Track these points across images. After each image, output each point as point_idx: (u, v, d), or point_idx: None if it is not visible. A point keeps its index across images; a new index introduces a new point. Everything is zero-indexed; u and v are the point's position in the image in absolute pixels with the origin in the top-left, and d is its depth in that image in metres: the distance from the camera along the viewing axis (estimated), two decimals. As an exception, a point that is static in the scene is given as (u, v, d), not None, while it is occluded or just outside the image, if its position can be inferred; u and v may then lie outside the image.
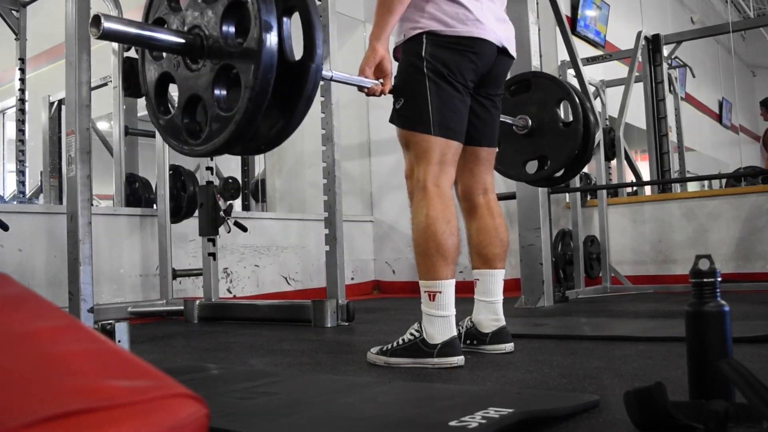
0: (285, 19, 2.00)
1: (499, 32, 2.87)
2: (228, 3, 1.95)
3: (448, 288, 2.66)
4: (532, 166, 3.90)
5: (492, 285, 3.00)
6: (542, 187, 4.96)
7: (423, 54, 2.73)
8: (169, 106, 2.26)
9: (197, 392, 0.91)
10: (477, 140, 2.99)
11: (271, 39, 1.89)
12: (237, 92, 1.98)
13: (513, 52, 2.98)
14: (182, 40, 2.00)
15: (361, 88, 2.71)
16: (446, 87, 2.73)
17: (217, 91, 2.01)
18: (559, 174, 3.91)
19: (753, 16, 15.69)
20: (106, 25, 1.82)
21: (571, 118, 3.72)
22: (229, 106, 1.99)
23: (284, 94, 1.99)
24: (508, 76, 3.27)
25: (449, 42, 2.74)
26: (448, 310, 2.65)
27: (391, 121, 2.84)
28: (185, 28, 2.06)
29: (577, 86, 3.91)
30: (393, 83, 2.78)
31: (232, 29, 1.97)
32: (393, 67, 2.79)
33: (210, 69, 2.00)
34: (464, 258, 3.08)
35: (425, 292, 2.67)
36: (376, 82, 2.70)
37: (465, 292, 3.09)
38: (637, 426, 1.52)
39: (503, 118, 3.30)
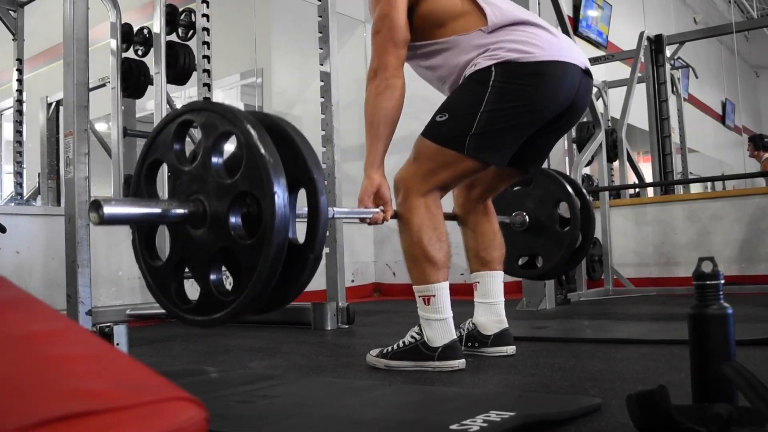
0: (292, 200, 1.93)
1: (578, 54, 2.69)
2: (237, 193, 1.88)
3: (441, 291, 2.64)
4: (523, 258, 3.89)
5: (492, 286, 2.98)
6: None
7: (491, 82, 2.55)
8: (158, 252, 2.16)
9: (196, 395, 0.91)
10: (525, 165, 2.89)
11: (281, 240, 1.82)
12: (235, 276, 1.93)
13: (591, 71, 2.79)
14: (184, 211, 1.93)
15: (363, 219, 2.64)
16: (508, 106, 2.56)
17: (213, 276, 1.95)
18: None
19: (756, 16, 15.71)
20: (107, 210, 1.76)
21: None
22: (224, 291, 1.94)
23: (283, 271, 1.93)
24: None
25: (527, 68, 2.55)
26: (444, 312, 2.63)
27: (425, 134, 2.68)
28: (186, 190, 1.98)
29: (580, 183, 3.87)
30: (445, 100, 2.69)
31: (239, 221, 1.91)
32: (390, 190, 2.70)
33: (210, 243, 1.93)
34: (464, 260, 3.06)
35: (420, 297, 2.66)
36: (377, 210, 2.62)
37: (466, 295, 3.07)
38: (639, 430, 1.51)
39: (500, 218, 3.27)
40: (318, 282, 6.55)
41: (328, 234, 4.36)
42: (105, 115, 6.59)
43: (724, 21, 14.09)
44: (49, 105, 7.45)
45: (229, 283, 1.94)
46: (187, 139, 2.08)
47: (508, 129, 2.59)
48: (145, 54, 5.89)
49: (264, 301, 1.92)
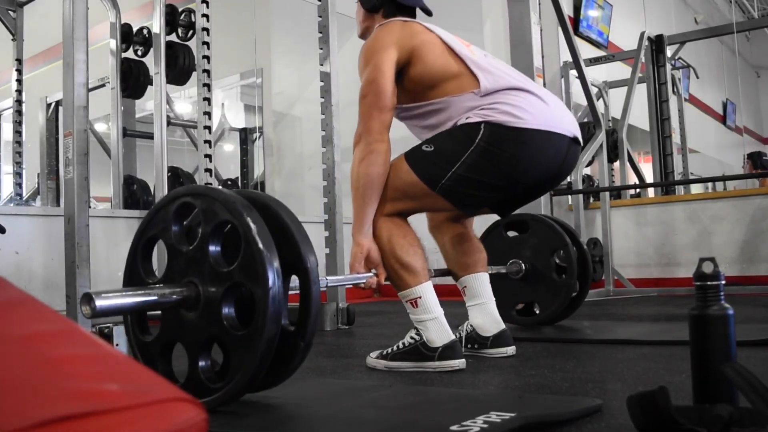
0: (284, 285, 1.93)
1: (567, 122, 2.69)
2: (232, 282, 1.89)
3: (425, 292, 2.65)
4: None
5: (480, 287, 2.98)
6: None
7: (478, 137, 2.55)
8: (148, 327, 2.13)
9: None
10: (502, 211, 2.93)
11: (272, 333, 1.81)
12: (225, 361, 1.93)
13: (580, 138, 2.79)
14: (179, 297, 1.93)
15: (357, 285, 2.67)
16: (487, 168, 2.56)
17: (202, 362, 1.93)
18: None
19: (757, 16, 15.72)
20: (99, 303, 1.75)
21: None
22: (211, 377, 1.93)
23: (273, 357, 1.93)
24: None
25: (516, 134, 2.55)
26: (434, 311, 2.64)
27: (407, 158, 2.68)
28: (181, 273, 1.98)
29: (572, 228, 3.87)
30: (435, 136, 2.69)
31: (231, 311, 1.91)
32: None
33: (202, 328, 1.93)
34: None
35: (407, 302, 2.68)
36: (370, 274, 2.64)
37: (461, 296, 3.06)
38: (640, 431, 1.50)
39: (495, 269, 3.25)
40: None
41: (328, 235, 4.39)
42: (104, 116, 6.59)
43: (725, 21, 14.10)
44: (49, 105, 7.46)
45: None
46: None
47: (482, 186, 2.60)
48: (144, 54, 5.90)
49: (251, 389, 1.95)
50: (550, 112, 2.62)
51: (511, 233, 3.80)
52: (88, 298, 1.71)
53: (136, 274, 2.06)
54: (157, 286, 1.95)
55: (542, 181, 2.71)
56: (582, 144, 2.84)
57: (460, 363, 2.61)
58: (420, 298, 2.63)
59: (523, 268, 3.68)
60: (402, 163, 2.68)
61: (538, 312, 3.79)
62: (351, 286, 2.71)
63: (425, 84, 2.68)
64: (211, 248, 1.89)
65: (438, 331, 2.62)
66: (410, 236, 2.69)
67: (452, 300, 2.67)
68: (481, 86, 2.60)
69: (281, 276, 1.82)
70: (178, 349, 1.97)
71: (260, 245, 1.79)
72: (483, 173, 2.56)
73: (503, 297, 3.34)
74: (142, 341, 2.05)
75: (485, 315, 2.95)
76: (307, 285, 1.91)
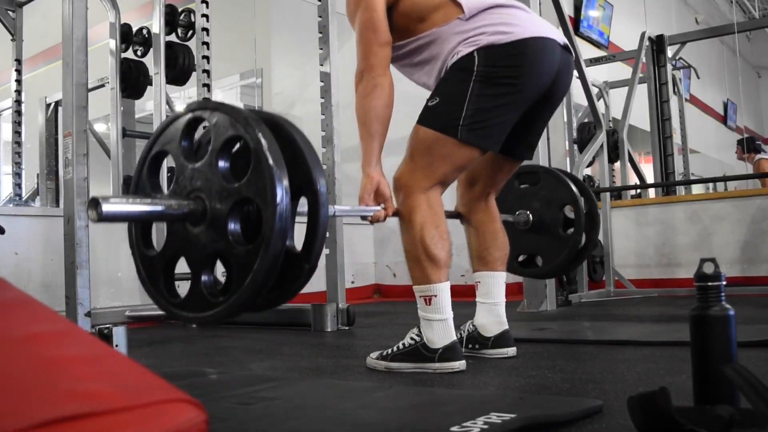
0: (292, 207, 1.92)
1: (555, 32, 2.74)
2: (240, 198, 1.87)
3: (442, 291, 2.63)
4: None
5: (493, 287, 2.97)
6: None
7: (475, 68, 2.58)
8: (152, 241, 2.12)
9: (195, 397, 0.90)
10: (519, 153, 2.91)
11: (278, 247, 1.81)
12: (228, 275, 1.92)
13: (571, 49, 2.85)
14: (185, 210, 1.92)
15: (364, 218, 2.64)
16: (494, 92, 2.59)
17: (205, 277, 1.95)
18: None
19: (758, 16, 15.71)
20: (105, 208, 1.74)
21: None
22: (214, 291, 1.93)
23: (276, 278, 1.92)
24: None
25: (508, 49, 2.58)
26: (445, 313, 2.62)
27: (421, 121, 2.69)
28: (188, 187, 1.97)
29: (585, 183, 3.86)
30: (434, 87, 2.72)
31: (237, 227, 1.90)
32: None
33: (207, 243, 1.92)
34: (465, 261, 3.07)
35: (420, 297, 2.65)
36: (378, 208, 2.61)
37: (467, 296, 3.06)
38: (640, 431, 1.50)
39: (504, 217, 3.25)
40: (318, 283, 6.54)
41: (328, 235, 4.38)
42: (104, 116, 6.59)
43: (725, 21, 14.09)
44: (48, 105, 7.45)
45: (222, 273, 1.94)
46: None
47: (497, 113, 2.61)
48: (144, 54, 5.89)
49: (252, 307, 1.92)
50: (536, 21, 2.70)
51: (523, 186, 3.77)
52: (95, 203, 1.71)
53: (142, 189, 2.05)
54: (164, 197, 1.95)
55: (545, 91, 2.71)
56: (573, 54, 2.87)
57: (460, 364, 2.60)
58: (435, 296, 2.62)
59: (531, 219, 3.65)
60: (417, 129, 2.69)
61: (540, 265, 3.77)
62: (359, 216, 2.66)
63: (413, 18, 2.70)
64: (220, 163, 1.87)
65: (441, 332, 2.61)
66: (442, 227, 2.67)
67: (454, 300, 2.66)
68: (465, 10, 2.64)
69: (290, 193, 1.80)
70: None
71: (270, 160, 1.76)
72: (492, 99, 2.59)
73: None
74: (146, 255, 2.04)
75: (491, 315, 2.95)
76: (316, 207, 1.89)
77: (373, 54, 2.64)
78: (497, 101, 2.60)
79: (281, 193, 1.76)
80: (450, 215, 2.92)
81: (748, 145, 10.16)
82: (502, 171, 2.99)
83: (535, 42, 2.61)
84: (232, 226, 1.84)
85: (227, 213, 1.83)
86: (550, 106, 2.85)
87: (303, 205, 1.93)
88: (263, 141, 1.78)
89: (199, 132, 1.97)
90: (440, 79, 2.70)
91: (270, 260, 1.76)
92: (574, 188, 3.64)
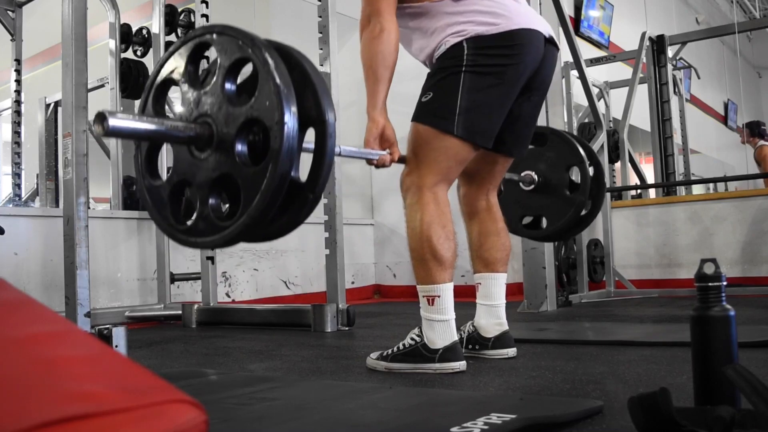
0: (300, 137, 1.93)
1: (541, 23, 2.79)
2: (247, 119, 1.88)
3: (446, 292, 2.63)
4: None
5: (494, 288, 2.97)
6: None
7: (464, 57, 2.63)
8: (159, 171, 2.14)
9: (195, 398, 0.90)
10: (508, 148, 2.92)
11: (285, 169, 1.81)
12: (234, 202, 1.93)
13: (558, 43, 2.90)
14: (191, 133, 1.92)
15: (370, 161, 2.64)
16: (484, 85, 2.63)
17: (212, 201, 1.95)
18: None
19: (759, 16, 15.71)
20: (112, 123, 1.75)
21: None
22: (220, 215, 1.94)
23: (281, 206, 1.93)
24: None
25: (495, 41, 2.64)
26: (447, 314, 2.62)
27: (416, 118, 2.72)
28: (195, 112, 1.98)
29: (587, 145, 3.83)
30: (425, 81, 2.73)
31: (244, 149, 1.90)
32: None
33: (213, 167, 1.93)
34: (466, 262, 3.06)
35: (423, 296, 2.65)
36: (384, 152, 2.61)
37: (467, 297, 3.06)
38: (641, 433, 1.50)
39: (509, 175, 3.24)
40: (318, 284, 6.58)
41: (328, 236, 4.38)
42: (104, 116, 6.56)
43: (726, 21, 14.09)
44: (48, 106, 7.44)
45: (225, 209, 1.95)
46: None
47: (488, 108, 2.65)
48: (144, 54, 5.90)
49: (258, 231, 1.92)
50: (523, 12, 2.73)
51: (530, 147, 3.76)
52: (102, 117, 1.71)
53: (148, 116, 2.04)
54: (171, 119, 1.95)
55: (530, 82, 2.77)
56: (558, 47, 2.92)
57: (460, 365, 2.60)
58: (439, 297, 2.62)
59: (536, 179, 3.63)
60: (414, 126, 2.71)
61: (544, 227, 3.75)
62: (364, 158, 2.65)
63: None
64: (227, 86, 1.87)
65: (442, 333, 2.61)
66: (449, 227, 2.67)
67: (455, 301, 2.66)
68: None
69: (297, 115, 1.79)
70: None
71: (278, 80, 1.76)
72: (483, 89, 2.63)
73: (512, 207, 3.32)
74: (153, 185, 2.05)
75: (491, 317, 2.94)
76: (324, 137, 1.89)
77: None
78: (488, 94, 2.64)
79: (288, 113, 1.76)
80: None
81: (753, 129, 10.17)
82: (497, 167, 3.00)
83: (521, 33, 2.66)
84: (240, 148, 1.84)
85: (234, 135, 1.84)
86: (533, 99, 2.88)
87: (309, 143, 1.94)
88: (270, 61, 1.78)
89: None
90: (431, 72, 2.74)
91: (278, 179, 1.76)
92: (581, 150, 3.62)
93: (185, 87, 1.96)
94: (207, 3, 5.03)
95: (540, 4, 5.19)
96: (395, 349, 2.70)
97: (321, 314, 4.34)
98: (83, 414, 0.77)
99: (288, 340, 3.90)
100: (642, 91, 7.70)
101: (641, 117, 8.24)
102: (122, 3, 6.09)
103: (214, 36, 1.92)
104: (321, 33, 4.55)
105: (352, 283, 7.22)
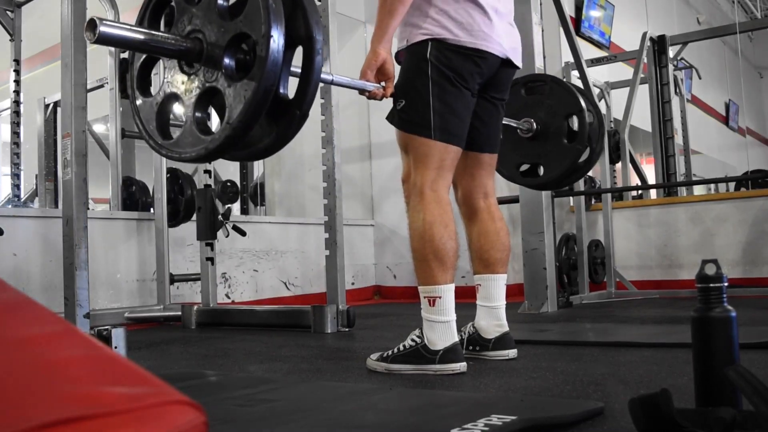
0: (287, 55, 1.94)
1: (506, 43, 2.85)
2: (236, 33, 1.89)
3: (447, 293, 2.63)
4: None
5: (494, 290, 2.97)
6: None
7: (428, 56, 2.70)
8: (150, 88, 2.21)
9: (195, 399, 0.89)
10: (479, 145, 2.97)
11: (269, 81, 1.83)
12: (220, 112, 1.94)
13: (518, 62, 2.96)
14: (181, 47, 1.94)
15: (362, 92, 2.68)
16: (450, 89, 2.70)
17: (198, 114, 1.96)
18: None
19: (760, 16, 15.69)
20: (102, 29, 1.77)
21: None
22: (205, 129, 1.94)
23: (266, 122, 1.95)
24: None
25: (454, 48, 2.71)
26: (448, 315, 2.62)
27: (390, 119, 2.82)
28: (186, 28, 2.00)
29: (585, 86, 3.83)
30: (395, 84, 2.75)
31: (232, 63, 1.91)
32: (396, 69, 2.75)
33: (201, 83, 1.95)
34: (466, 263, 3.06)
35: (425, 297, 2.65)
36: (378, 85, 2.66)
37: (467, 298, 3.06)
38: (642, 435, 1.49)
39: (507, 121, 3.24)
40: (318, 285, 6.57)
41: (328, 236, 4.37)
42: (103, 117, 6.59)
43: (727, 21, 14.07)
44: (47, 106, 7.45)
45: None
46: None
47: (457, 113, 2.73)
48: (143, 55, 5.87)
49: (243, 142, 1.96)
50: (488, 31, 2.77)
51: (529, 95, 3.76)
52: (93, 24, 1.74)
53: None
54: (163, 32, 1.97)
55: (485, 91, 2.88)
56: (518, 66, 2.98)
57: (461, 366, 2.60)
58: (440, 297, 2.62)
59: (535, 127, 3.63)
60: (397, 132, 2.80)
61: (541, 174, 3.73)
62: (357, 89, 2.69)
63: None
64: (219, 2, 1.90)
65: (443, 334, 2.61)
66: (451, 227, 2.68)
67: (455, 302, 2.66)
68: None
69: (284, 32, 1.83)
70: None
71: None
72: (450, 95, 2.71)
73: (509, 154, 3.32)
74: (144, 101, 2.11)
75: (491, 318, 2.95)
76: (311, 55, 1.93)
77: None
78: (454, 99, 2.71)
79: (275, 25, 1.81)
80: None
81: None
82: (482, 165, 3.03)
83: (474, 52, 2.74)
84: (227, 61, 1.89)
85: (223, 49, 1.87)
86: (491, 102, 2.96)
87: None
88: None
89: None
90: (400, 73, 2.80)
91: (263, 91, 1.79)
92: (581, 99, 3.61)
93: (180, 2, 1.98)
94: (207, 3, 5.01)
95: (540, 4, 5.19)
96: (395, 350, 2.70)
97: (321, 315, 4.34)
98: (82, 415, 0.76)
99: (288, 341, 3.89)
100: (643, 92, 7.69)
101: (642, 117, 8.23)
102: (121, 3, 6.09)
103: None
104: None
105: (352, 284, 7.21)
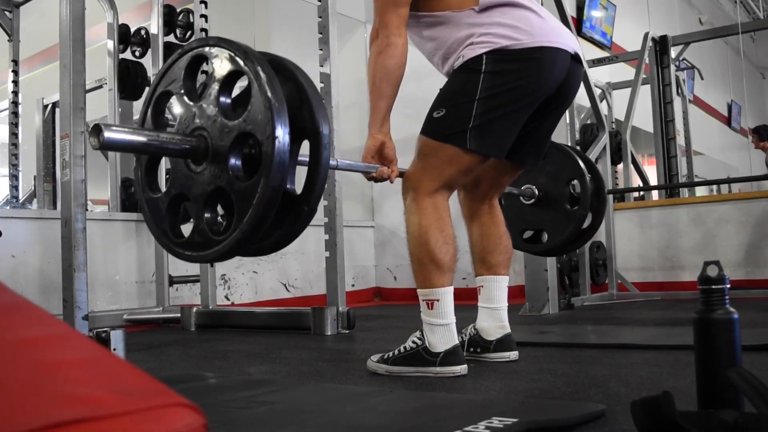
0: (294, 149, 1.92)
1: (567, 38, 2.69)
2: (240, 132, 1.86)
3: (446, 295, 2.62)
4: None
5: (496, 291, 2.96)
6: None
7: (482, 70, 2.55)
8: (158, 184, 2.17)
9: (194, 401, 0.88)
10: (519, 157, 2.87)
11: (277, 182, 1.80)
12: (230, 215, 1.92)
13: (581, 56, 2.81)
14: (187, 145, 1.92)
15: (368, 176, 2.64)
16: (500, 101, 2.56)
17: (207, 215, 1.94)
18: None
19: (762, 16, 15.70)
20: (107, 135, 1.74)
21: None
22: (216, 230, 1.93)
23: (276, 219, 1.92)
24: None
25: (516, 56, 2.55)
26: (447, 317, 2.61)
27: (424, 132, 2.67)
28: (191, 125, 1.97)
29: (592, 161, 3.82)
30: (440, 90, 2.68)
31: (238, 162, 1.89)
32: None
33: (209, 180, 1.93)
34: (467, 265, 3.07)
35: (423, 300, 2.64)
36: (380, 166, 2.61)
37: (469, 300, 3.05)
38: (643, 437, 1.49)
39: (509, 189, 3.22)
40: (318, 286, 6.56)
41: (328, 238, 4.36)
42: (102, 117, 6.58)
43: (729, 21, 14.10)
44: (45, 107, 7.47)
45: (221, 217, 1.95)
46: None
47: (504, 116, 2.59)
48: (142, 55, 5.90)
49: (253, 244, 1.94)
50: (548, 28, 2.64)
51: None
52: (98, 130, 1.72)
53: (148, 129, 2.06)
54: (168, 132, 1.95)
55: (551, 99, 2.69)
56: (584, 64, 2.86)
57: (461, 369, 2.59)
58: (438, 300, 2.61)
59: (537, 193, 3.62)
60: (423, 139, 2.67)
61: (545, 241, 3.72)
62: (362, 172, 2.67)
63: None
64: (222, 99, 1.90)
65: (443, 336, 2.60)
66: (447, 231, 2.65)
67: (457, 304, 2.65)
68: (480, 1, 2.60)
69: (289, 130, 1.80)
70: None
71: (269, 94, 1.77)
72: (498, 103, 2.56)
73: (513, 221, 3.30)
74: (152, 197, 2.07)
75: (493, 320, 2.94)
76: (318, 149, 1.91)
77: (389, 11, 2.60)
78: (504, 109, 2.57)
79: (279, 125, 1.77)
80: None
81: (762, 134, 10.14)
82: (506, 175, 2.99)
83: (543, 51, 2.58)
84: (233, 161, 1.86)
85: (228, 149, 1.85)
86: (553, 114, 2.83)
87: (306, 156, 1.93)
88: (262, 74, 1.80)
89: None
90: (445, 84, 2.68)
91: (269, 193, 1.77)
92: (581, 164, 3.60)
93: (183, 99, 1.96)
94: (206, 3, 5.02)
95: (542, 4, 5.17)
96: (396, 352, 2.69)
97: (321, 317, 4.32)
98: (81, 418, 0.76)
99: (287, 343, 3.89)
100: (645, 92, 7.69)
101: (644, 118, 8.24)
102: (120, 3, 6.09)
103: (210, 49, 1.93)
104: (321, 33, 4.52)
105: (353, 285, 7.20)
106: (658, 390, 1.48)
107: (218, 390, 2.48)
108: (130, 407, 0.81)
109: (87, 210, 3.61)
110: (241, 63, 1.83)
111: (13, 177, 7.02)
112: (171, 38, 5.67)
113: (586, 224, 3.69)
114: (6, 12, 6.76)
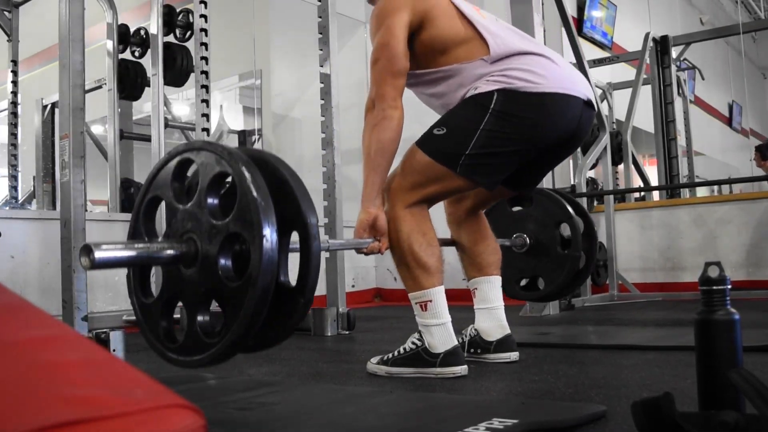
0: (284, 242, 1.92)
1: (581, 86, 2.67)
2: (228, 234, 1.87)
3: (437, 295, 2.61)
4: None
5: (490, 292, 2.97)
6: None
7: (490, 107, 2.52)
8: (151, 290, 2.16)
9: (194, 403, 0.89)
10: (516, 185, 2.88)
11: (266, 281, 1.81)
12: (221, 309, 1.93)
13: (594, 101, 2.78)
14: (176, 252, 1.92)
15: (359, 250, 2.62)
16: (504, 136, 2.53)
17: (200, 318, 1.94)
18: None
19: (763, 16, 15.69)
20: (98, 255, 1.75)
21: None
22: (209, 332, 1.93)
23: (270, 315, 1.92)
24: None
25: (528, 98, 2.53)
26: (443, 317, 2.61)
27: (420, 145, 2.65)
28: (180, 229, 1.98)
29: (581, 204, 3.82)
30: (446, 113, 2.67)
31: (228, 263, 1.90)
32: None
33: (200, 283, 1.93)
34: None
35: (417, 303, 2.64)
36: (373, 240, 2.60)
37: (469, 300, 3.04)
38: (644, 438, 1.49)
39: (500, 241, 3.22)
40: (318, 287, 6.51)
41: (328, 238, 4.35)
42: (101, 118, 6.60)
43: (730, 22, 14.09)
44: (45, 107, 7.49)
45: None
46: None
47: (503, 154, 2.57)
48: (142, 55, 5.90)
49: (249, 344, 1.94)
50: (561, 74, 2.61)
51: (516, 209, 3.73)
52: (88, 250, 1.72)
53: (139, 236, 2.06)
54: (157, 241, 1.95)
55: (559, 143, 2.67)
56: (595, 108, 2.83)
57: (462, 369, 2.59)
58: (431, 301, 2.60)
59: (528, 241, 3.61)
60: (416, 151, 2.64)
61: (542, 287, 3.72)
62: (354, 248, 2.64)
63: (436, 49, 2.63)
64: (209, 201, 1.90)
65: (442, 337, 2.60)
66: (430, 235, 2.64)
67: (455, 305, 2.65)
68: (491, 52, 2.57)
69: (275, 225, 1.80)
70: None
71: (254, 193, 1.77)
72: (500, 140, 2.53)
73: (507, 271, 3.29)
74: (145, 303, 2.06)
75: (491, 320, 2.94)
76: (307, 240, 1.90)
77: (385, 83, 2.58)
78: (506, 145, 2.55)
79: (266, 225, 1.78)
80: (446, 243, 2.93)
81: (765, 153, 10.13)
82: (495, 196, 2.98)
83: (557, 98, 2.56)
84: (223, 262, 1.86)
85: (218, 251, 1.86)
86: (560, 156, 2.85)
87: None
88: (247, 174, 1.81)
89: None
90: (455, 106, 2.64)
91: (259, 294, 1.77)
92: (567, 206, 3.60)
93: (172, 203, 1.97)
94: (206, 3, 5.02)
95: (543, 5, 5.17)
96: (396, 353, 2.69)
97: (321, 318, 4.33)
98: (80, 419, 0.76)
99: (288, 344, 3.84)
100: (645, 93, 7.69)
101: (645, 118, 8.23)
102: (120, 3, 6.09)
103: (195, 153, 1.94)
104: (321, 33, 4.52)
105: (353, 286, 7.20)
106: (659, 391, 1.48)
107: (218, 391, 2.48)
108: (129, 408, 0.81)
109: (86, 210, 3.61)
110: (226, 164, 1.84)
111: (13, 177, 7.03)
112: (170, 38, 5.66)
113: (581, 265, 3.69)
114: (5, 12, 6.78)
